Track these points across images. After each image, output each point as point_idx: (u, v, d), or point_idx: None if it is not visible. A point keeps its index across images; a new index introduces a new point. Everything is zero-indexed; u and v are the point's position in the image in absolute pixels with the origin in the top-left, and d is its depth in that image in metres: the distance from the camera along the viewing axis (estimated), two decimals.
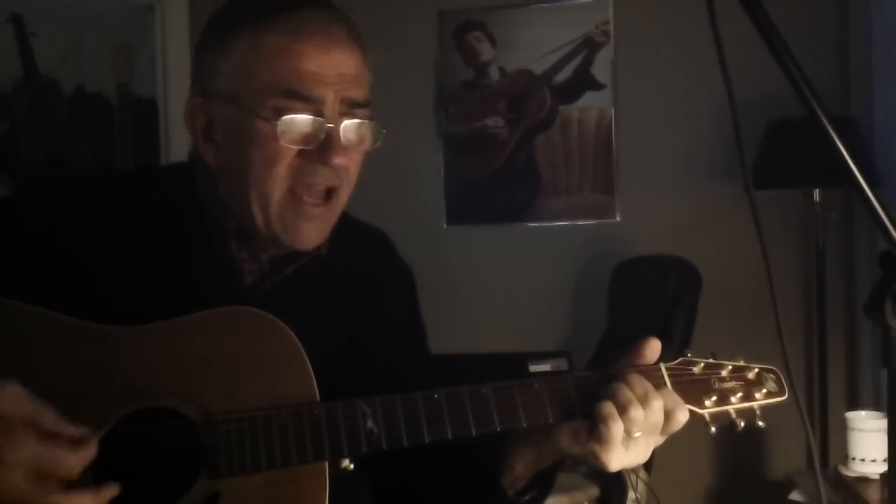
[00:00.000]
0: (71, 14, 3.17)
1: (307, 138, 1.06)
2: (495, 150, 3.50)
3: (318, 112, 1.07)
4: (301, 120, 1.06)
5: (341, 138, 1.08)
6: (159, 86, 3.39)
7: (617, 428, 0.98)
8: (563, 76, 3.43)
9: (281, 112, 1.05)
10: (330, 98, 1.07)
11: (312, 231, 1.11)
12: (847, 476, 2.34)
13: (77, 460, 0.90)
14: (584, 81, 3.41)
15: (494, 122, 3.49)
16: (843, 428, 2.39)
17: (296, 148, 1.07)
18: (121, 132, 3.34)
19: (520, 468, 1.08)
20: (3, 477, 0.87)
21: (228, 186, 1.12)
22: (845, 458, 2.38)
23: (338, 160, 1.07)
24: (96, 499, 0.91)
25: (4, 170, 3.02)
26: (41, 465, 0.88)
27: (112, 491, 0.92)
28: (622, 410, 0.99)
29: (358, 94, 1.10)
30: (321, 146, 1.07)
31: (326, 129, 1.07)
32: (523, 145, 3.47)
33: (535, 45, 3.44)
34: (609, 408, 0.99)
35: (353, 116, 1.09)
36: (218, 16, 1.14)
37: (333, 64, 1.07)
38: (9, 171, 3.03)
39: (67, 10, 3.17)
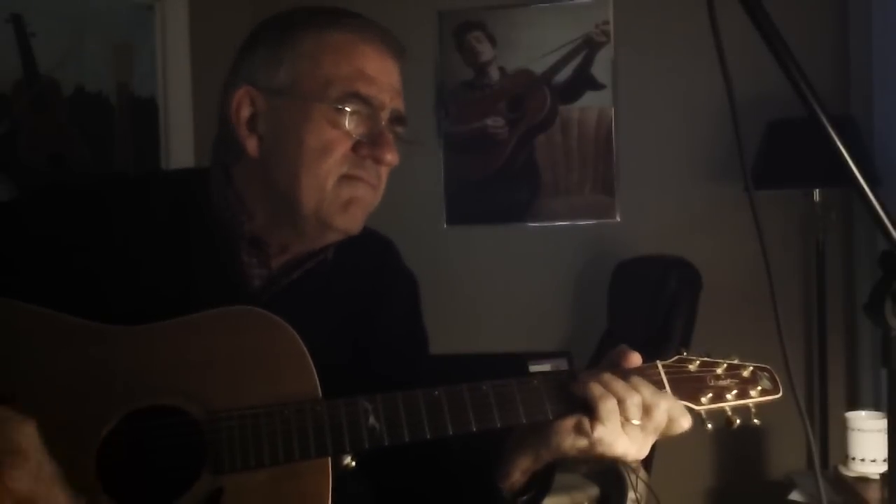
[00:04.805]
0: (71, 14, 3.17)
1: (364, 131, 1.10)
2: (495, 150, 3.50)
3: (374, 114, 1.11)
4: (360, 115, 1.10)
5: (391, 139, 1.12)
6: (159, 86, 3.39)
7: (611, 403, 1.00)
8: (563, 76, 3.43)
9: (341, 103, 1.09)
10: (386, 104, 1.12)
11: (360, 214, 1.15)
12: (847, 476, 2.34)
13: None
14: (584, 81, 3.42)
15: (494, 122, 3.49)
16: (843, 428, 2.39)
17: (352, 139, 1.10)
18: (121, 132, 3.34)
19: (516, 475, 1.09)
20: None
21: (269, 178, 1.13)
22: (845, 458, 2.38)
23: (389, 157, 1.12)
24: None
25: (4, 170, 3.02)
26: (32, 501, 0.89)
27: None
28: (619, 398, 1.01)
29: (403, 108, 1.15)
30: (375, 142, 1.11)
31: (381, 126, 1.11)
32: (523, 145, 3.47)
33: (535, 45, 3.44)
34: (597, 388, 1.01)
35: (395, 129, 1.14)
36: (277, 17, 1.16)
37: (388, 73, 1.13)
38: (9, 171, 3.03)
39: (67, 10, 3.16)
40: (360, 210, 1.14)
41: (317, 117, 1.09)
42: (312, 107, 1.09)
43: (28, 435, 0.90)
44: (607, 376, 1.03)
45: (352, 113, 1.09)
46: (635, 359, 1.08)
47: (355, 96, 1.10)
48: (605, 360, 1.10)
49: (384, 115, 1.12)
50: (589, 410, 1.02)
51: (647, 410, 1.02)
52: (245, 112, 1.13)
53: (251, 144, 1.13)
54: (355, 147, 1.11)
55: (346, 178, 1.11)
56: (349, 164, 1.11)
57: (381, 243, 1.32)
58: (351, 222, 1.14)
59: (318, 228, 1.13)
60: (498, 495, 1.09)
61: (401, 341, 1.27)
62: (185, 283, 1.12)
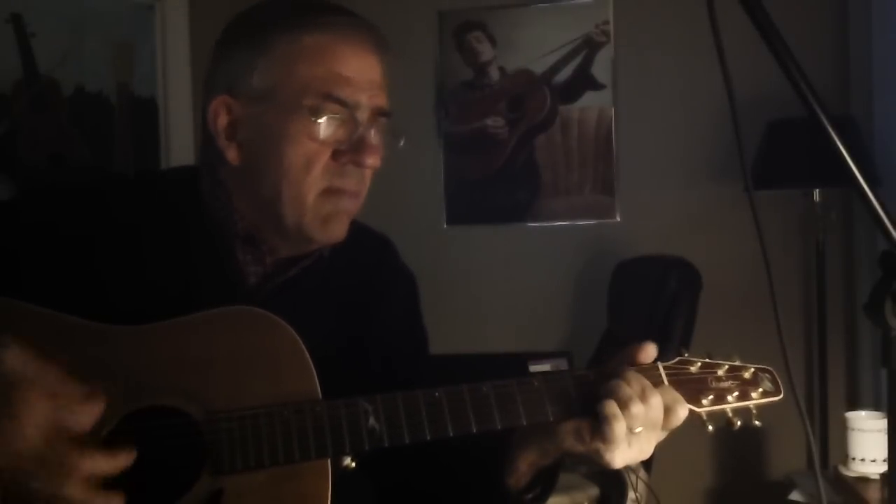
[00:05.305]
0: (71, 14, 3.17)
1: (342, 137, 1.09)
2: (495, 150, 3.50)
3: (351, 116, 1.09)
4: (340, 120, 1.09)
5: (372, 141, 1.11)
6: (159, 86, 3.39)
7: (620, 426, 0.99)
8: (563, 76, 3.43)
9: (317, 112, 1.07)
10: (364, 103, 1.10)
11: (342, 225, 1.14)
12: (847, 476, 2.34)
13: (87, 415, 0.92)
14: (584, 81, 3.42)
15: (494, 122, 3.49)
16: (843, 428, 2.40)
17: (331, 148, 1.09)
18: (121, 132, 3.34)
19: (523, 467, 1.09)
20: (21, 434, 0.88)
21: (252, 187, 1.12)
22: (845, 458, 2.38)
23: (370, 160, 1.10)
24: (111, 463, 0.92)
25: (4, 170, 3.02)
26: (55, 421, 0.89)
27: (127, 458, 0.93)
28: (623, 407, 1.00)
29: (385, 102, 1.13)
30: (355, 147, 1.10)
31: (360, 130, 1.10)
32: (523, 145, 3.47)
33: (535, 45, 3.44)
34: (612, 407, 1.00)
35: (378, 124, 1.13)
36: (249, 16, 1.15)
37: (366, 70, 1.11)
38: (9, 171, 3.03)
39: (67, 10, 3.17)
40: (340, 223, 1.13)
41: (295, 128, 1.08)
42: (290, 117, 1.08)
43: (15, 356, 0.89)
44: (626, 393, 1.01)
45: (329, 118, 1.08)
46: (652, 351, 1.07)
47: (331, 99, 1.08)
48: (623, 353, 1.09)
49: (363, 116, 1.10)
50: (592, 419, 1.02)
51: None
52: (223, 121, 1.12)
53: (231, 153, 1.12)
54: (335, 154, 1.09)
55: (327, 192, 1.10)
56: (330, 174, 1.10)
57: (378, 241, 1.32)
58: (331, 235, 1.13)
59: (300, 239, 1.13)
60: (504, 492, 1.09)
61: (400, 340, 1.27)
62: (184, 280, 1.12)
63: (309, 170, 1.08)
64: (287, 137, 1.08)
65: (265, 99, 1.09)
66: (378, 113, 1.13)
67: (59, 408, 0.90)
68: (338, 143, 1.09)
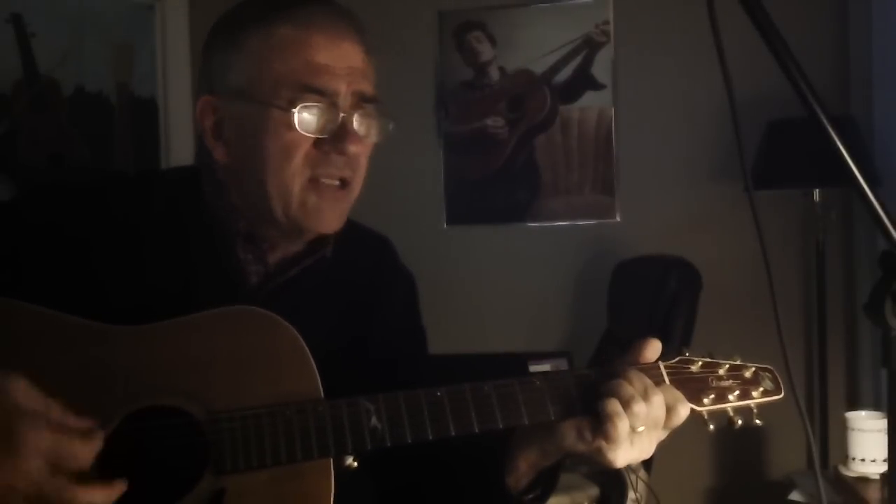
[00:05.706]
0: (71, 14, 3.18)
1: (323, 127, 1.08)
2: (495, 150, 3.50)
3: (331, 104, 1.09)
4: (317, 108, 1.08)
5: (355, 127, 1.10)
6: (159, 86, 3.39)
7: (623, 425, 0.99)
8: (563, 76, 3.43)
9: (294, 103, 1.07)
10: (343, 90, 1.09)
11: (333, 214, 1.13)
12: (847, 476, 2.35)
13: (88, 451, 0.92)
14: (584, 81, 3.42)
15: (494, 122, 3.49)
16: (843, 428, 2.40)
17: (311, 137, 1.08)
18: (121, 132, 3.34)
19: (523, 467, 1.09)
20: (21, 467, 0.88)
21: (241, 183, 1.13)
22: (845, 458, 2.38)
23: (353, 148, 1.10)
24: (108, 493, 0.92)
25: (4, 170, 3.02)
26: (56, 455, 0.90)
27: (121, 487, 0.93)
28: (625, 406, 1.00)
29: (367, 87, 1.12)
30: (336, 135, 1.09)
31: (341, 118, 1.09)
32: (523, 145, 3.47)
33: (535, 45, 3.44)
34: (615, 405, 1.00)
35: (363, 109, 1.11)
36: (227, 15, 1.15)
37: (343, 56, 1.10)
38: (9, 171, 3.04)
39: (67, 10, 3.17)
40: (332, 212, 1.13)
41: (274, 121, 1.08)
42: (268, 111, 1.08)
43: (21, 390, 0.90)
44: (628, 392, 1.01)
45: (307, 108, 1.07)
46: (656, 347, 1.08)
47: (308, 90, 1.07)
48: (631, 349, 1.09)
49: (343, 103, 1.10)
50: (594, 418, 1.02)
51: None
52: (209, 121, 1.13)
53: (219, 152, 1.13)
54: (318, 143, 1.09)
55: (311, 183, 1.10)
56: (313, 164, 1.09)
57: (378, 241, 1.32)
58: (323, 225, 1.13)
59: (292, 230, 1.13)
60: (504, 492, 1.09)
61: (399, 339, 1.27)
62: (185, 279, 1.12)
63: (289, 159, 1.08)
64: (266, 131, 1.08)
65: (244, 95, 1.09)
66: (361, 99, 1.12)
67: (60, 444, 0.90)
68: (320, 132, 1.09)
